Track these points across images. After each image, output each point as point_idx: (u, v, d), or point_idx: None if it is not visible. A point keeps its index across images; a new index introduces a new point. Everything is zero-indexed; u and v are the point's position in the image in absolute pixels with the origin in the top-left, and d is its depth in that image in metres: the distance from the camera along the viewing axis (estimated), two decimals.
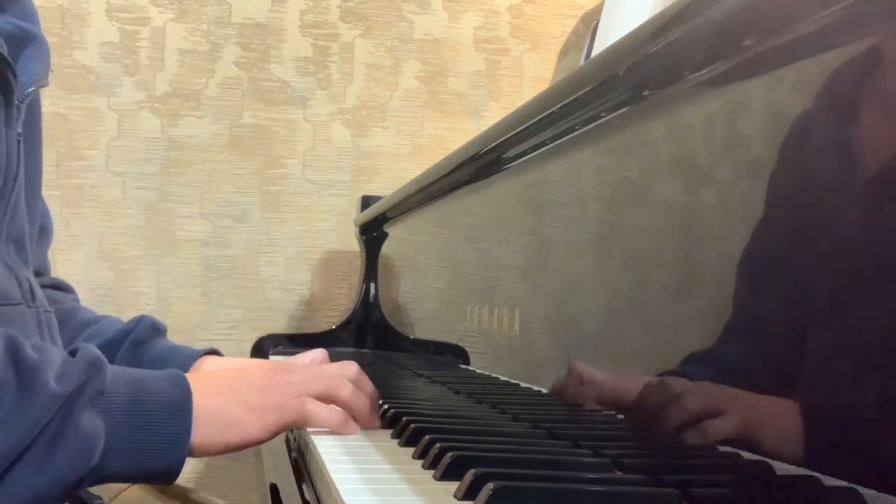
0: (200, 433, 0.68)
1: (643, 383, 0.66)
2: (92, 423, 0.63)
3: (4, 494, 0.59)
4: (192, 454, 0.68)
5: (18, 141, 0.82)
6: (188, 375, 0.70)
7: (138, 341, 0.96)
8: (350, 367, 0.79)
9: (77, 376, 0.63)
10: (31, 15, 0.88)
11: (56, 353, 0.65)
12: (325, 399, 0.75)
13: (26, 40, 0.85)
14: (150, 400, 0.66)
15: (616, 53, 0.67)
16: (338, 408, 0.75)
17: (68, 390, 0.62)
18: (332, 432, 0.74)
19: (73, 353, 0.66)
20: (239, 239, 1.92)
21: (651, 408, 0.64)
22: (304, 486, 0.72)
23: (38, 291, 0.84)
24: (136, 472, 0.66)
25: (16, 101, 0.81)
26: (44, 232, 1.00)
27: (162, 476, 0.67)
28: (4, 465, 0.58)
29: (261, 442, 0.72)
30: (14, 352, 0.61)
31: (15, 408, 0.59)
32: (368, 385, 0.79)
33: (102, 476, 0.64)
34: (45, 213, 1.01)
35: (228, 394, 0.72)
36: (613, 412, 0.72)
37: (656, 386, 0.64)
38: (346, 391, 0.76)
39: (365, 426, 0.76)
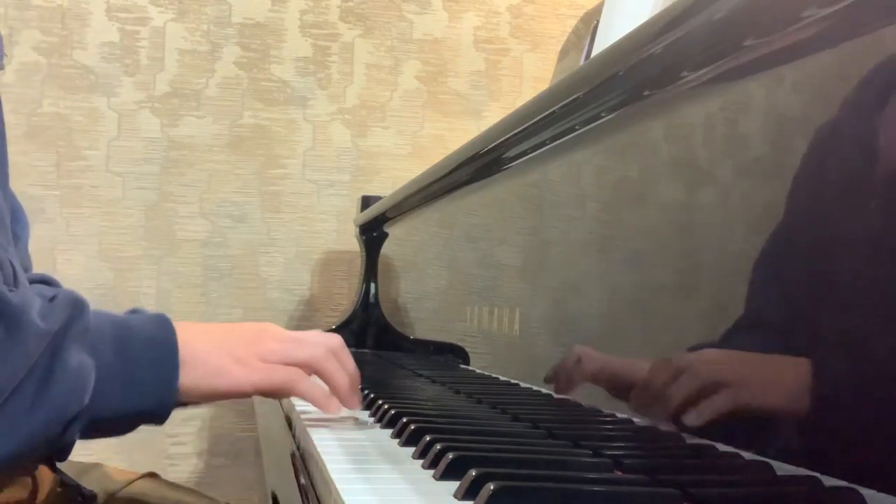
0: (186, 374, 0.68)
1: (643, 369, 0.66)
2: (81, 359, 0.63)
3: (0, 435, 0.59)
4: (178, 398, 0.68)
5: None
6: (176, 323, 0.70)
7: None
8: (333, 339, 0.79)
9: (61, 314, 0.63)
10: None
11: (35, 296, 0.65)
12: (308, 368, 0.76)
13: None
14: (135, 338, 0.67)
15: (616, 53, 0.67)
16: (323, 385, 0.76)
17: (54, 327, 0.62)
18: (314, 405, 0.75)
19: (51, 300, 0.66)
20: (239, 239, 1.92)
21: (649, 396, 0.64)
22: (303, 486, 0.72)
23: (21, 276, 0.83)
24: (128, 410, 0.66)
25: None
26: (20, 225, 0.98)
27: (153, 415, 0.67)
28: None
29: (246, 394, 0.72)
30: None
31: (3, 347, 0.59)
32: (350, 362, 0.80)
33: (96, 415, 0.64)
34: (18, 209, 0.99)
35: (215, 342, 0.72)
36: (613, 412, 0.72)
37: (655, 375, 0.64)
38: (329, 364, 0.76)
39: (345, 404, 0.77)
